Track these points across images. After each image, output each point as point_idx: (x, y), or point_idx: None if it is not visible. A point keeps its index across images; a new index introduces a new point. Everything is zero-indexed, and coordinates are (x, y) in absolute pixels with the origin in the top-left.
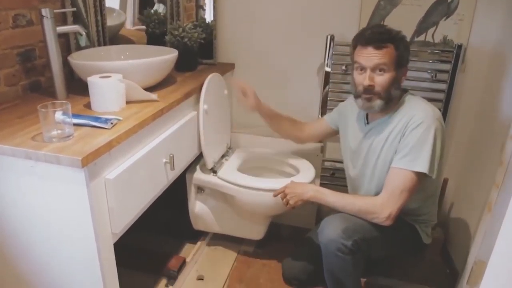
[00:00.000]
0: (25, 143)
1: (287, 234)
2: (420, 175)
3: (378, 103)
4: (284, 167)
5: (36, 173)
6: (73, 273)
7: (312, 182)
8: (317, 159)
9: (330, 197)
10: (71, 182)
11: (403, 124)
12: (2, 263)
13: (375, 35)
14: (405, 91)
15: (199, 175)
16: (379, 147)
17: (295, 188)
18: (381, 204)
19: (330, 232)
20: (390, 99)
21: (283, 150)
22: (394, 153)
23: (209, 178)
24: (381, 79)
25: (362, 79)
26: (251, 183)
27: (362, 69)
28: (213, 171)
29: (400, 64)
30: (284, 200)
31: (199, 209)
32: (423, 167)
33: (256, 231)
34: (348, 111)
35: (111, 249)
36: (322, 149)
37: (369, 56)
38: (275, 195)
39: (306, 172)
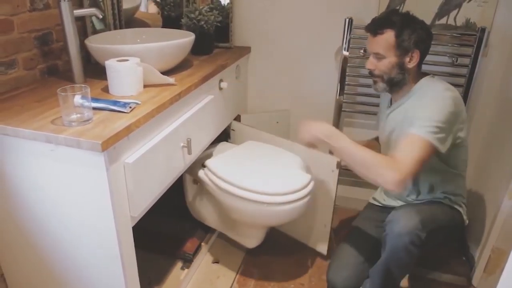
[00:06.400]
0: (45, 127)
1: None
2: (431, 146)
3: (380, 85)
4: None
5: (56, 157)
6: (92, 255)
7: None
8: (333, 175)
9: (346, 140)
10: (91, 166)
11: (417, 105)
12: (24, 245)
13: (373, 23)
14: (425, 74)
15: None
16: (396, 130)
17: (312, 123)
18: (395, 162)
19: (407, 223)
20: (395, 83)
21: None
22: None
23: (199, 171)
24: (380, 64)
25: (367, 63)
26: (235, 182)
27: (369, 53)
28: (202, 165)
29: (402, 48)
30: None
31: (194, 200)
32: (432, 138)
33: (250, 239)
34: (383, 96)
35: (130, 232)
36: (338, 165)
37: (369, 43)
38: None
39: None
